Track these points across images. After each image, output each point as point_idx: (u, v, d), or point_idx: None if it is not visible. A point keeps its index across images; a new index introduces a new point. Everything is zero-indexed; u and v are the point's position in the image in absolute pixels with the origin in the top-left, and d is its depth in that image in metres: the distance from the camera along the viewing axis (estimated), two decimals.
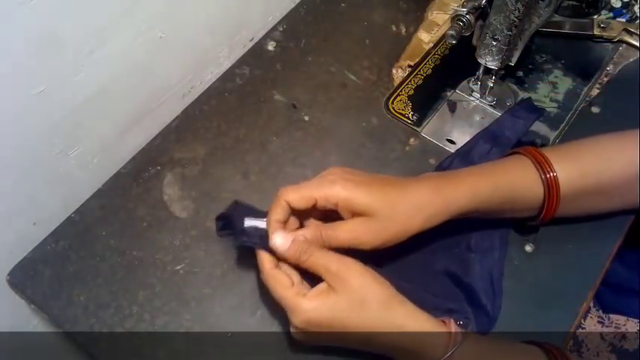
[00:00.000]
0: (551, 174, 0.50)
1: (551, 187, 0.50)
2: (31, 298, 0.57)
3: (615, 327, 0.62)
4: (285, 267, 0.48)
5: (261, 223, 0.50)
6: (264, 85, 0.71)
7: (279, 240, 0.47)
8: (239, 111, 0.68)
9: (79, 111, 0.55)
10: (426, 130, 0.66)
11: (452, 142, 0.65)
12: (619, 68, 0.70)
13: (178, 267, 0.58)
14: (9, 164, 0.52)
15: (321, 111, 0.68)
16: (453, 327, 0.45)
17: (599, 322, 0.61)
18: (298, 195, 0.48)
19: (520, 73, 0.70)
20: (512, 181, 0.51)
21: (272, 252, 0.48)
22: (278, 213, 0.48)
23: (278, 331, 0.54)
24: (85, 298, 0.56)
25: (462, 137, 0.65)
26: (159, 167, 0.64)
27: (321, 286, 0.46)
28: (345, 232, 0.47)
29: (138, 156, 0.65)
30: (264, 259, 0.48)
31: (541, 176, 0.50)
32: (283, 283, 0.46)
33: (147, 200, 0.62)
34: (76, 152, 0.58)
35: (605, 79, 0.69)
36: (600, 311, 0.62)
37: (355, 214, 0.47)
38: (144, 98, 0.63)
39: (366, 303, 0.44)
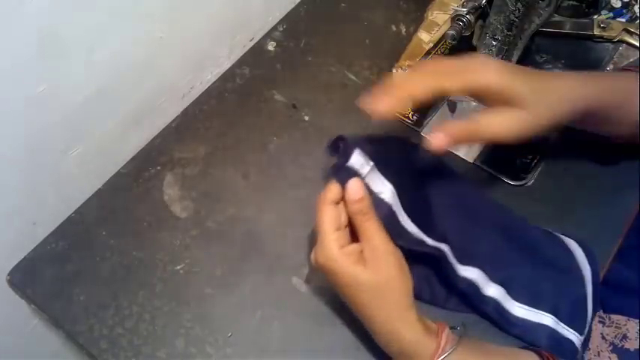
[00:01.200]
0: None
1: None
2: (31, 298, 0.57)
3: (616, 327, 0.61)
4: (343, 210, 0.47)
5: (358, 163, 0.47)
6: (264, 85, 0.71)
7: (354, 187, 0.46)
8: (239, 111, 0.68)
9: (79, 111, 0.55)
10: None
11: None
12: (619, 68, 0.70)
13: (178, 267, 0.58)
14: (9, 164, 0.52)
15: (321, 111, 0.68)
16: (445, 336, 0.45)
17: (599, 321, 0.61)
18: (427, 82, 0.44)
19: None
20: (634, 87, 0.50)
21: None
22: (393, 105, 0.45)
23: (278, 331, 0.54)
24: (85, 298, 0.56)
25: None
26: (159, 167, 0.64)
27: (357, 248, 0.46)
28: (496, 125, 0.45)
29: (138, 156, 0.65)
30: (331, 191, 0.46)
31: None
32: (331, 220, 0.45)
33: (147, 200, 0.62)
34: (76, 152, 0.58)
35: None
36: (601, 311, 0.62)
37: (503, 103, 0.44)
38: (144, 98, 0.63)
39: (387, 292, 0.45)
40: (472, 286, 0.53)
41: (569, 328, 0.52)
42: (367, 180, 0.48)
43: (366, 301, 0.46)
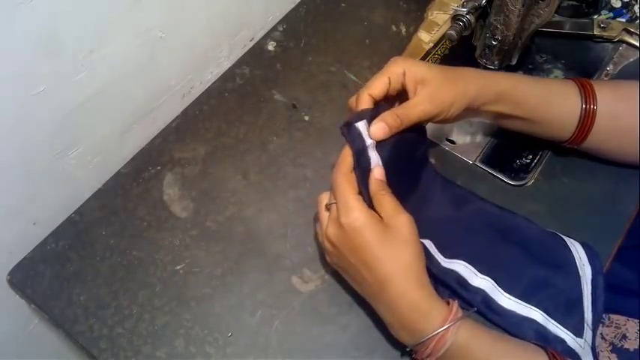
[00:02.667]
0: (592, 106, 0.54)
1: (587, 116, 0.54)
2: (31, 298, 0.57)
3: (615, 327, 0.61)
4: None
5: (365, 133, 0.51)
6: (264, 85, 0.71)
7: (378, 170, 0.50)
8: (239, 111, 0.69)
9: (79, 111, 0.55)
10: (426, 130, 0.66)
11: (452, 142, 0.65)
12: (619, 68, 0.70)
13: (178, 267, 0.58)
14: (9, 164, 0.52)
15: (321, 111, 0.68)
16: (456, 306, 0.46)
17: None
18: (375, 83, 0.52)
19: (520, 73, 0.70)
20: (553, 93, 0.56)
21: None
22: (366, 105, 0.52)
23: (278, 331, 0.54)
24: (85, 298, 0.56)
25: (462, 137, 0.65)
26: (159, 167, 0.64)
27: (377, 215, 0.49)
28: (413, 106, 0.51)
29: (138, 156, 0.65)
30: (347, 159, 0.50)
31: (582, 105, 0.54)
32: (353, 186, 0.49)
33: (147, 200, 0.62)
34: (76, 152, 0.58)
35: (605, 79, 0.69)
36: None
37: (417, 82, 0.52)
38: (144, 98, 0.63)
39: (409, 245, 0.47)
40: (457, 277, 0.53)
41: (560, 327, 0.51)
42: (370, 152, 0.50)
43: (386, 258, 0.47)
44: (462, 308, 0.47)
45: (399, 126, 0.50)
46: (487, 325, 0.52)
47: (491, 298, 0.52)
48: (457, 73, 0.53)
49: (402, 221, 0.48)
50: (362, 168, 0.50)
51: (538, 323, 0.51)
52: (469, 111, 0.54)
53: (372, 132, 0.50)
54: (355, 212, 0.47)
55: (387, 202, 0.49)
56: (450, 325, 0.44)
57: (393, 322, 0.48)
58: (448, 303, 0.47)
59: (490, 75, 0.55)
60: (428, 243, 0.54)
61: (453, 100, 0.52)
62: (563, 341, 0.50)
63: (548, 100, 0.55)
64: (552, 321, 0.51)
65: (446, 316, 0.45)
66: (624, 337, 0.60)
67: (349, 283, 0.52)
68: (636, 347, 0.59)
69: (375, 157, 0.50)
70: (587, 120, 0.55)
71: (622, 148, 0.58)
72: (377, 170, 0.50)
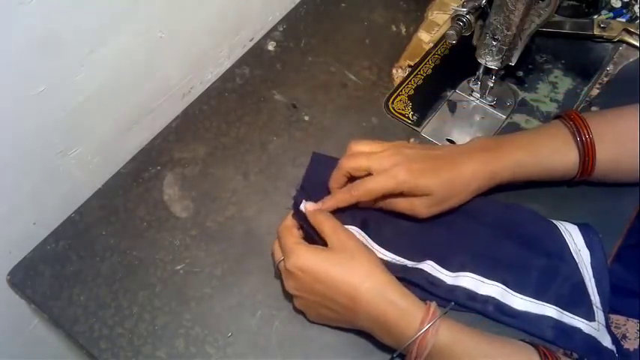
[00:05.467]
0: (588, 137, 0.54)
1: (587, 153, 0.54)
2: (31, 298, 0.57)
3: (615, 327, 0.61)
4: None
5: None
6: (264, 85, 0.71)
7: (310, 205, 0.54)
8: (239, 111, 0.69)
9: (79, 111, 0.55)
10: (426, 130, 0.66)
11: (452, 142, 0.65)
12: (619, 68, 0.70)
13: (178, 267, 0.58)
14: (9, 164, 0.52)
15: (321, 111, 0.68)
16: (433, 306, 0.46)
17: None
18: (368, 185, 0.52)
19: (520, 73, 0.70)
20: (551, 153, 0.55)
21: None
22: (337, 182, 0.55)
23: (278, 331, 0.54)
24: (85, 298, 0.56)
25: (462, 137, 0.65)
26: (159, 167, 0.64)
27: (320, 246, 0.50)
28: (404, 203, 0.53)
29: (138, 156, 0.65)
30: (288, 219, 0.54)
31: (578, 145, 0.54)
32: (293, 234, 0.52)
33: (147, 200, 0.62)
34: (76, 152, 0.58)
35: (605, 79, 0.69)
36: None
37: (423, 193, 0.52)
38: (144, 98, 0.63)
39: (355, 258, 0.48)
40: (465, 292, 0.53)
41: (573, 316, 0.51)
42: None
43: (341, 277, 0.47)
44: (441, 306, 0.47)
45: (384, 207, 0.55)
46: (477, 322, 0.52)
47: (504, 303, 0.52)
48: (455, 177, 0.53)
49: (341, 238, 0.49)
50: (299, 213, 0.53)
51: (554, 319, 0.51)
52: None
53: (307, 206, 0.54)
54: (294, 253, 0.49)
55: (325, 225, 0.51)
56: (429, 325, 0.44)
57: (378, 332, 0.48)
58: (426, 303, 0.47)
59: (490, 166, 0.54)
60: (429, 265, 0.54)
61: (453, 204, 0.54)
62: (580, 330, 0.50)
63: (546, 156, 0.55)
64: (565, 312, 0.51)
65: (424, 317, 0.45)
66: (624, 337, 0.60)
67: (334, 325, 0.52)
68: (636, 347, 0.59)
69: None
70: (588, 152, 0.54)
71: (625, 176, 0.57)
72: (308, 205, 0.53)
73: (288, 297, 0.55)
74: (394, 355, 0.48)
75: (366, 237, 0.55)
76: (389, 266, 0.50)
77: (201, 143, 0.66)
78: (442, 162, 0.53)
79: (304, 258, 0.48)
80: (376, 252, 0.54)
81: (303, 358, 0.52)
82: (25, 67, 0.48)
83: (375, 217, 0.56)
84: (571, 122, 0.55)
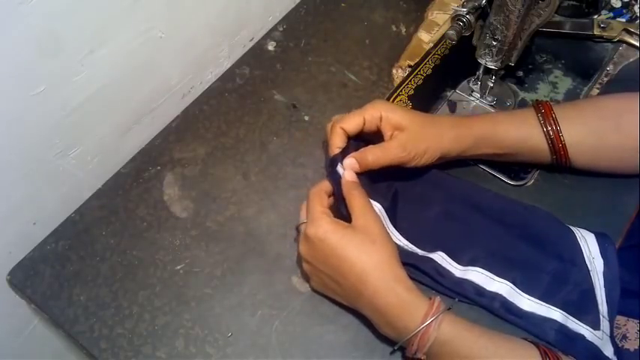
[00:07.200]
0: (554, 127, 0.55)
1: (555, 140, 0.55)
2: (31, 298, 0.57)
3: (615, 327, 0.61)
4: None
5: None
6: (264, 85, 0.71)
7: (348, 173, 0.53)
8: (239, 111, 0.69)
9: (79, 111, 0.55)
10: None
11: None
12: (619, 68, 0.70)
13: (178, 267, 0.58)
14: (9, 164, 0.52)
15: (321, 111, 0.68)
16: (437, 300, 0.47)
17: None
18: (350, 119, 0.55)
19: (520, 73, 0.70)
20: (516, 129, 0.57)
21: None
22: (337, 140, 0.55)
23: (278, 331, 0.54)
24: (85, 298, 0.56)
25: None
26: (159, 167, 0.64)
27: (344, 223, 0.50)
28: (385, 149, 0.54)
29: (138, 156, 0.65)
30: (323, 182, 0.55)
31: (543, 130, 0.55)
32: (322, 201, 0.52)
33: (147, 200, 0.62)
34: (76, 152, 0.58)
35: (605, 79, 0.69)
36: None
37: (394, 128, 0.54)
38: (144, 98, 0.63)
39: (376, 244, 0.48)
40: (473, 286, 0.53)
41: (579, 322, 0.51)
42: None
43: (355, 258, 0.47)
44: (446, 300, 0.48)
45: (366, 167, 0.53)
46: (484, 318, 0.52)
47: (511, 302, 0.52)
48: (434, 122, 0.56)
49: (368, 220, 0.49)
50: (335, 178, 0.53)
51: (559, 323, 0.51)
52: (447, 158, 0.56)
53: (345, 164, 0.53)
54: (317, 222, 0.49)
55: (356, 202, 0.51)
56: (432, 319, 0.45)
57: (379, 321, 0.48)
58: (430, 298, 0.47)
59: (466, 122, 0.56)
60: (439, 255, 0.54)
61: (425, 150, 0.54)
62: (583, 337, 0.51)
63: (524, 131, 0.56)
64: (571, 318, 0.52)
65: (427, 311, 0.45)
66: (624, 337, 0.60)
67: (336, 300, 0.53)
68: (636, 347, 0.59)
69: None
70: (556, 142, 0.55)
71: (613, 166, 0.58)
72: (347, 173, 0.53)
73: (289, 297, 0.55)
74: (395, 348, 0.48)
75: (386, 218, 0.55)
76: (400, 251, 0.51)
77: (201, 143, 0.66)
78: (418, 111, 0.58)
79: (325, 230, 0.49)
80: (391, 234, 0.54)
81: (303, 358, 0.52)
82: (25, 67, 0.48)
83: (403, 198, 0.57)
84: (539, 105, 0.57)
